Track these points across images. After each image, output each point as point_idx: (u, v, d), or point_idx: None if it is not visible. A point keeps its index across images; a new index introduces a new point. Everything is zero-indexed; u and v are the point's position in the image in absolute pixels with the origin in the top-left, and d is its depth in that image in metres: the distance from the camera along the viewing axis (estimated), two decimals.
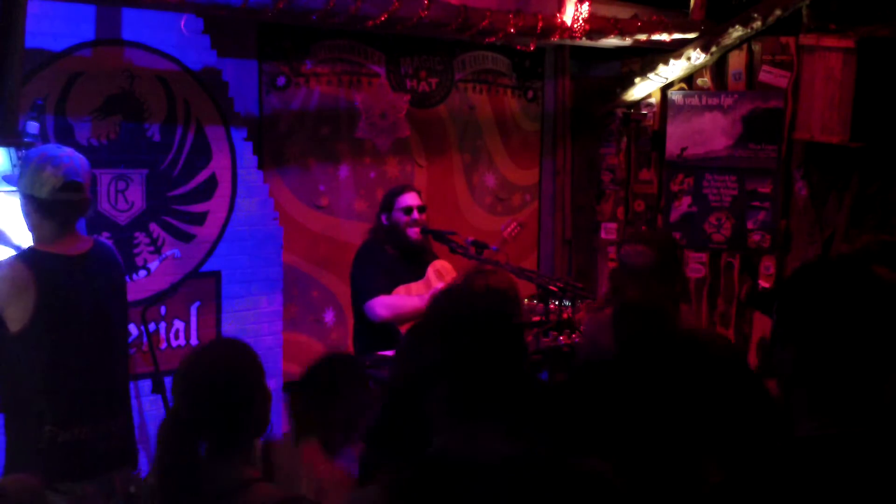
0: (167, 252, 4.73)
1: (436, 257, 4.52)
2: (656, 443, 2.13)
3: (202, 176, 4.83)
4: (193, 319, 4.85)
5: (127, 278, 4.25)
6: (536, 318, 3.98)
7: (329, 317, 5.49)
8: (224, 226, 4.93)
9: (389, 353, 3.85)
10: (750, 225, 5.94)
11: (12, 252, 3.08)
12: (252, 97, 5.05)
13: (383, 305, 4.15)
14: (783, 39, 5.74)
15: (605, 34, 5.61)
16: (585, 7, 5.46)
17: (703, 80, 6.09)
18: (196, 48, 4.75)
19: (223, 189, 4.91)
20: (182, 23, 4.61)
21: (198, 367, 2.06)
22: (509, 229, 4.59)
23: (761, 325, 5.78)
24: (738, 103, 5.90)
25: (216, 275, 4.92)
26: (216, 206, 4.89)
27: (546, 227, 6.66)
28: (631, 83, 6.31)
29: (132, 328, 4.52)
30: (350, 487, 2.38)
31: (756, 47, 5.86)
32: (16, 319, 2.82)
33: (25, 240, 3.11)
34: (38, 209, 2.92)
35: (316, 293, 5.43)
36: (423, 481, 1.56)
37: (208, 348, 2.16)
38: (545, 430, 1.97)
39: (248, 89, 5.02)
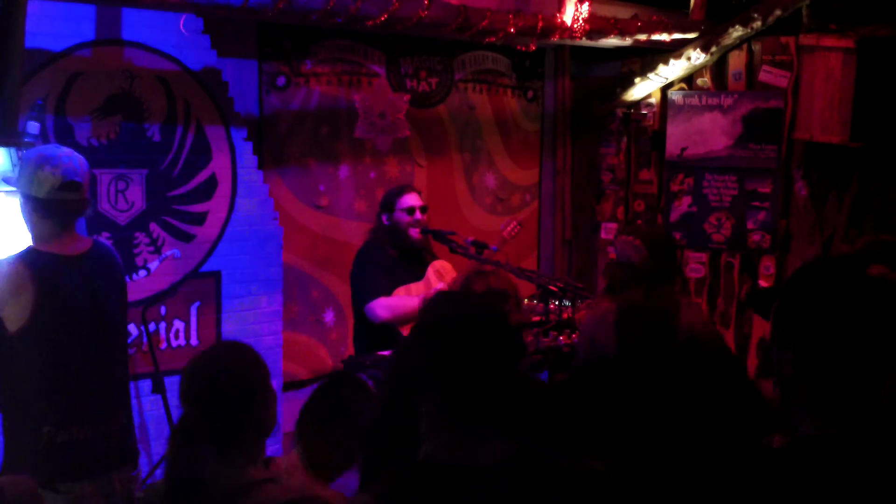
0: (167, 252, 4.73)
1: (436, 257, 4.52)
2: (655, 443, 2.13)
3: (202, 176, 4.83)
4: (193, 319, 4.85)
5: (127, 278, 4.26)
6: (536, 318, 3.98)
7: (329, 317, 5.49)
8: (224, 226, 4.93)
9: (389, 353, 3.84)
10: (750, 225, 5.94)
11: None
12: (252, 97, 5.05)
13: (384, 307, 4.15)
14: (783, 39, 5.75)
15: (605, 34, 5.61)
16: (585, 7, 5.46)
17: (703, 80, 6.10)
18: (196, 48, 4.75)
19: (223, 189, 4.91)
20: (181, 22, 4.61)
21: (201, 371, 2.07)
22: (509, 228, 4.60)
23: (761, 325, 5.79)
24: (738, 103, 5.90)
25: (216, 275, 4.92)
26: (216, 206, 4.89)
27: (546, 227, 6.66)
28: (631, 83, 6.31)
29: (132, 328, 4.52)
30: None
31: (756, 47, 5.86)
32: (14, 319, 2.82)
33: (25, 240, 3.11)
34: (37, 209, 2.92)
35: (316, 293, 5.43)
36: (412, 488, 1.56)
37: (210, 352, 2.16)
38: (540, 432, 1.97)
39: (248, 89, 5.02)
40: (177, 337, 4.79)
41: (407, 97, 5.73)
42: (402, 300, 4.20)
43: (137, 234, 4.62)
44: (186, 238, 4.80)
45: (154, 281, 4.69)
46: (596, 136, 6.66)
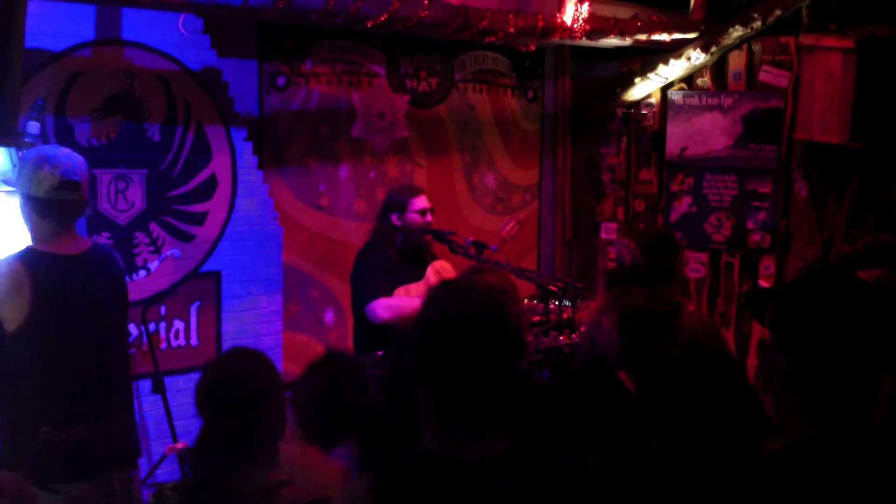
0: (167, 252, 4.73)
1: (436, 257, 4.52)
2: (654, 443, 2.13)
3: (202, 176, 4.83)
4: (193, 319, 4.85)
5: (127, 278, 4.26)
6: (536, 318, 3.98)
7: (329, 317, 5.49)
8: (224, 226, 4.93)
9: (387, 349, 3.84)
10: (750, 225, 5.95)
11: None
12: (252, 97, 5.05)
13: (384, 307, 4.15)
14: (783, 39, 5.75)
15: (605, 34, 5.61)
16: (585, 7, 5.46)
17: (703, 80, 6.10)
18: (196, 48, 4.75)
19: (223, 189, 4.91)
20: (180, 22, 4.61)
21: (220, 377, 2.08)
22: (508, 228, 4.60)
23: (761, 325, 5.78)
24: (738, 103, 5.90)
25: (216, 275, 4.92)
26: (216, 206, 4.89)
27: (546, 227, 6.66)
28: (631, 83, 6.31)
29: (132, 328, 4.53)
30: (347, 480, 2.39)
31: (756, 47, 5.86)
32: (12, 318, 2.82)
33: (25, 240, 3.11)
34: (36, 208, 2.92)
35: (316, 293, 5.44)
36: (409, 480, 1.56)
37: (226, 358, 2.17)
38: (537, 429, 1.97)
39: (248, 89, 5.02)
40: (177, 337, 4.79)
41: (407, 98, 5.73)
42: (403, 300, 4.20)
43: (137, 234, 4.62)
44: (186, 238, 4.80)
45: (154, 281, 4.69)
46: (596, 136, 6.66)
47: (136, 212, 4.62)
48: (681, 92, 6.17)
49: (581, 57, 6.48)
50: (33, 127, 4.22)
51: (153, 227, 4.67)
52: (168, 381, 4.57)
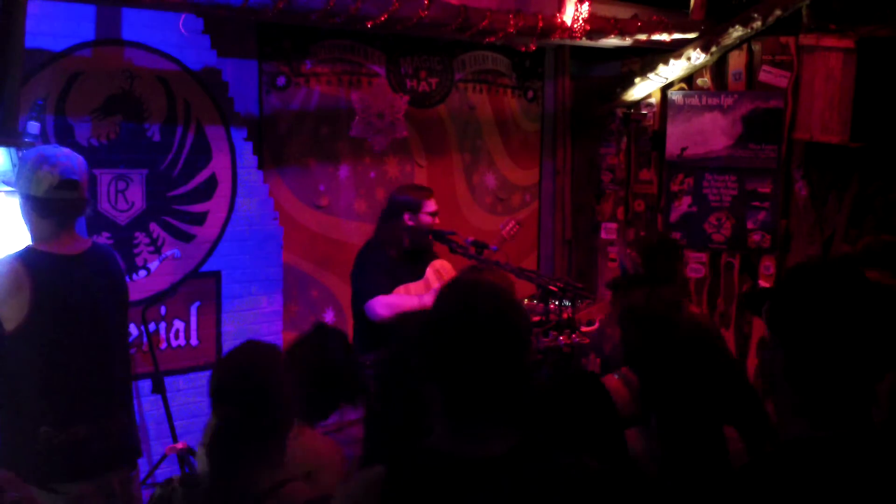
0: (167, 252, 4.73)
1: (436, 257, 4.52)
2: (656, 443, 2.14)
3: (202, 176, 4.83)
4: (193, 319, 4.85)
5: (127, 278, 4.26)
6: (536, 318, 3.98)
7: (329, 317, 5.49)
8: (224, 226, 4.93)
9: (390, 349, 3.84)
10: (750, 225, 5.95)
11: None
12: (252, 97, 5.05)
13: (383, 305, 4.15)
14: (783, 39, 5.75)
15: (605, 34, 5.61)
16: (585, 7, 5.46)
17: (703, 80, 6.10)
18: (196, 48, 4.75)
19: (223, 189, 4.91)
20: (180, 22, 4.61)
21: (235, 372, 2.07)
22: (508, 228, 4.60)
23: (761, 325, 5.78)
24: (738, 103, 5.90)
25: (216, 275, 4.92)
26: (216, 206, 4.89)
27: (546, 227, 6.66)
28: (631, 83, 6.31)
29: (132, 328, 4.53)
30: (342, 461, 2.40)
31: (756, 47, 5.86)
32: (11, 318, 2.82)
33: (25, 240, 3.11)
34: (35, 208, 2.92)
35: (316, 293, 5.43)
36: (417, 477, 1.56)
37: (241, 353, 2.16)
38: (543, 429, 1.98)
39: (248, 89, 5.02)
40: (177, 337, 4.79)
41: (407, 97, 5.73)
42: (402, 298, 4.20)
43: (137, 234, 4.62)
44: (186, 238, 4.80)
45: (154, 281, 4.69)
46: (596, 136, 6.66)
47: (136, 212, 4.62)
48: (681, 92, 6.17)
49: (581, 57, 6.48)
50: (33, 127, 4.22)
51: (153, 227, 4.67)
52: (168, 381, 4.57)
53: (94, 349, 2.99)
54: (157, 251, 4.70)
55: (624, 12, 5.89)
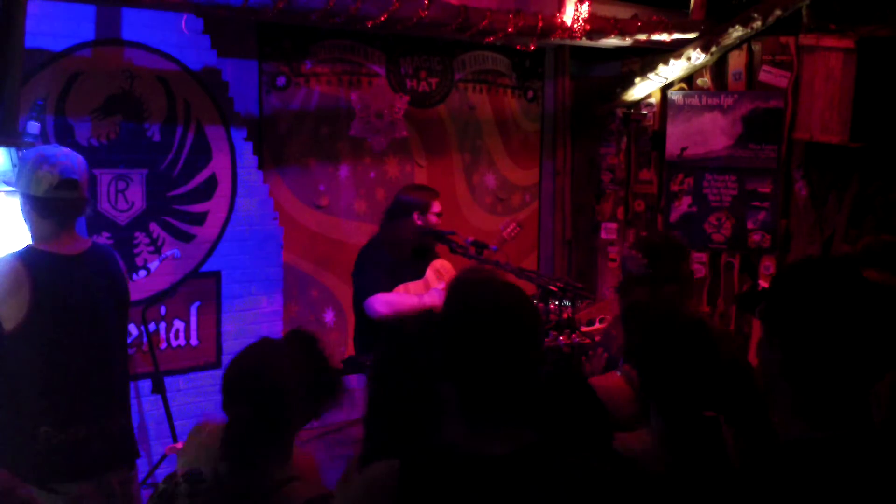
0: (167, 252, 4.73)
1: (437, 257, 4.52)
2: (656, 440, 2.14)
3: (202, 176, 4.83)
4: (193, 319, 4.85)
5: (127, 278, 4.25)
6: None
7: (329, 317, 5.49)
8: (224, 226, 4.93)
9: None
10: (750, 225, 5.95)
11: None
12: (252, 97, 5.06)
13: (382, 302, 4.15)
14: (783, 39, 5.75)
15: (605, 34, 5.61)
16: (585, 7, 5.46)
17: (703, 80, 6.10)
18: (196, 48, 4.75)
19: (223, 189, 4.91)
20: (183, 21, 4.61)
21: (240, 374, 2.07)
22: (509, 229, 4.60)
23: (753, 317, 5.78)
24: (738, 103, 5.90)
25: (216, 275, 4.92)
26: (216, 206, 4.89)
27: (546, 227, 6.66)
28: (631, 83, 6.31)
29: (132, 328, 4.53)
30: (318, 475, 2.39)
31: (756, 47, 5.86)
32: (10, 317, 2.82)
33: (25, 240, 3.11)
34: (35, 208, 2.92)
35: (316, 293, 5.44)
36: (433, 473, 1.56)
37: (248, 355, 2.15)
38: (556, 426, 1.98)
39: (248, 89, 5.02)
40: (177, 337, 4.79)
41: (407, 97, 5.73)
42: (401, 297, 4.20)
43: (137, 234, 4.62)
44: (186, 238, 4.80)
45: (154, 281, 4.69)
46: (596, 136, 6.66)
47: (136, 212, 4.62)
48: (681, 92, 6.17)
49: (581, 57, 6.48)
50: (33, 127, 4.22)
51: (153, 227, 4.67)
52: (168, 381, 4.57)
53: (93, 349, 2.99)
54: (157, 251, 4.70)
55: (624, 12, 5.89)
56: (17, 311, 2.82)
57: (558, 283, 3.95)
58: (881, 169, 5.58)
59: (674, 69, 6.06)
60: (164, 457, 4.46)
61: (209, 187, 4.86)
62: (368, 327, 4.25)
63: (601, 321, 4.88)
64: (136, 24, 4.51)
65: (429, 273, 4.39)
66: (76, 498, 2.89)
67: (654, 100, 6.35)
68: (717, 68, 6.03)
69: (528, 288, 4.41)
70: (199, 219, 4.84)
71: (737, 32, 5.76)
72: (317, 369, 2.22)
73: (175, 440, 4.34)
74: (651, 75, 6.16)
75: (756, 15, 5.66)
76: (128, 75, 4.53)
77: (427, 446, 1.63)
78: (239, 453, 1.98)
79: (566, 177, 6.65)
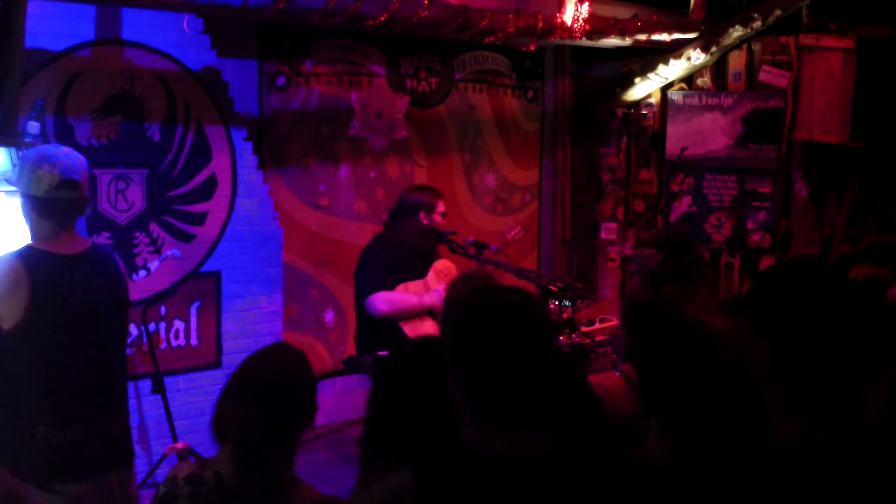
0: (167, 252, 4.73)
1: (439, 257, 4.52)
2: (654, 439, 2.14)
3: (202, 176, 4.83)
4: (193, 319, 4.85)
5: (127, 279, 4.24)
6: None
7: (329, 317, 5.49)
8: (224, 226, 4.93)
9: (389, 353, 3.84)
10: (750, 225, 5.95)
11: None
12: (252, 97, 5.06)
13: (383, 300, 4.15)
14: (783, 39, 5.75)
15: (605, 34, 5.61)
16: (585, 7, 5.46)
17: (703, 80, 6.10)
18: (196, 48, 4.75)
19: (223, 189, 4.91)
20: (185, 22, 4.61)
21: (266, 372, 2.06)
22: (513, 233, 4.65)
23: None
24: (738, 103, 5.90)
25: (216, 275, 4.92)
26: (216, 206, 4.89)
27: (546, 227, 6.66)
28: (631, 83, 6.31)
29: (132, 328, 4.52)
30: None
31: (756, 47, 5.86)
32: (9, 317, 2.81)
33: (25, 240, 3.11)
34: (35, 208, 2.91)
35: (316, 293, 5.44)
36: (450, 477, 1.56)
37: (264, 358, 2.15)
38: (572, 428, 1.98)
39: (248, 89, 5.03)
40: (177, 337, 4.79)
41: (407, 98, 5.73)
42: (402, 296, 4.21)
43: (137, 234, 4.62)
44: (186, 238, 4.80)
45: (154, 281, 4.69)
46: (596, 136, 6.66)
47: (136, 212, 4.62)
48: (681, 92, 6.17)
49: (581, 57, 6.48)
50: (33, 127, 4.22)
51: (153, 227, 4.67)
52: (168, 381, 4.57)
53: (93, 349, 2.99)
54: (157, 251, 4.70)
55: (624, 12, 5.89)
56: (15, 310, 2.81)
57: (558, 283, 3.95)
58: (881, 169, 5.58)
59: (674, 69, 6.06)
60: (164, 457, 4.46)
61: (209, 187, 4.86)
62: (369, 326, 4.25)
63: (601, 321, 4.88)
64: (136, 24, 4.51)
65: (430, 273, 4.40)
66: (76, 498, 2.88)
67: (654, 100, 6.35)
68: (717, 68, 6.03)
69: (528, 288, 4.42)
70: (199, 219, 4.84)
71: (737, 32, 5.76)
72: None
73: (175, 440, 4.33)
74: (651, 75, 6.16)
75: (756, 15, 5.66)
76: (128, 75, 4.53)
77: (439, 451, 1.62)
78: (249, 455, 1.98)
79: (566, 177, 6.66)
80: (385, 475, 1.70)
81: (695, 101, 6.05)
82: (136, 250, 4.63)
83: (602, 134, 6.63)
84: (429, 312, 4.17)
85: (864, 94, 5.41)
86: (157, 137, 4.64)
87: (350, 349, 5.00)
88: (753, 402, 1.68)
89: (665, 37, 5.82)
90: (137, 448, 4.45)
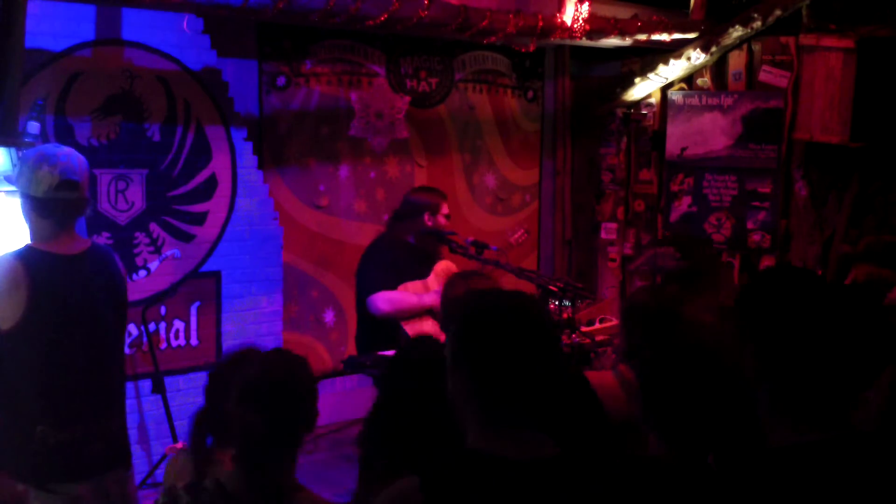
0: (167, 252, 4.73)
1: (441, 258, 4.51)
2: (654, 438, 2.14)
3: (202, 176, 4.83)
4: (193, 319, 4.85)
5: (127, 279, 4.24)
6: None
7: (329, 317, 5.49)
8: (224, 226, 4.93)
9: (390, 352, 3.84)
10: (750, 225, 5.94)
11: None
12: (252, 97, 5.06)
13: (385, 300, 4.15)
14: (783, 39, 5.74)
15: (605, 34, 5.61)
16: (585, 7, 5.46)
17: (703, 80, 6.10)
18: (196, 48, 4.75)
19: (223, 189, 4.91)
20: (185, 22, 4.61)
21: (271, 378, 2.05)
22: (516, 235, 4.67)
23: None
24: (738, 103, 5.90)
25: (216, 275, 4.92)
26: (216, 206, 4.89)
27: (546, 227, 6.66)
28: (631, 83, 6.31)
29: (132, 328, 4.53)
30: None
31: (756, 47, 5.86)
32: (8, 317, 2.81)
33: (25, 240, 3.10)
34: (35, 208, 2.91)
35: (316, 293, 5.44)
36: (460, 479, 1.56)
37: (270, 360, 2.14)
38: (576, 428, 1.98)
39: (248, 89, 5.03)
40: (177, 337, 4.79)
41: (407, 98, 5.73)
42: (404, 295, 4.20)
43: (137, 234, 4.62)
44: (186, 238, 4.80)
45: (154, 281, 4.69)
46: (596, 136, 6.66)
47: (136, 212, 4.62)
48: (681, 92, 6.17)
49: (581, 57, 6.48)
50: (33, 127, 4.22)
51: (153, 227, 4.67)
52: (168, 381, 4.57)
53: (92, 349, 2.98)
54: (157, 251, 4.70)
55: (624, 12, 5.89)
56: (15, 310, 2.81)
57: (558, 283, 3.95)
58: (881, 169, 5.58)
59: (674, 69, 6.06)
60: (163, 457, 4.45)
61: (209, 187, 4.86)
62: (370, 326, 4.25)
63: (601, 321, 4.88)
64: (136, 24, 4.51)
65: (432, 275, 4.39)
66: (74, 498, 2.88)
67: (654, 100, 6.35)
68: (717, 68, 6.03)
69: (529, 288, 4.42)
70: (199, 219, 4.84)
71: (737, 32, 5.76)
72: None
73: (175, 440, 4.34)
74: (651, 75, 6.16)
75: (756, 15, 5.66)
76: (128, 75, 4.52)
77: (445, 455, 1.62)
78: (254, 462, 1.97)
79: (566, 177, 6.66)
80: (388, 478, 1.70)
81: (695, 101, 6.05)
82: (136, 250, 4.63)
83: (602, 134, 6.63)
84: (429, 312, 4.17)
85: (864, 94, 5.40)
86: (157, 137, 4.64)
87: (350, 349, 5.00)
88: (750, 404, 1.68)
89: (665, 37, 5.82)
90: (137, 448, 4.47)
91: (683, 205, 6.17)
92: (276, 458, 2.00)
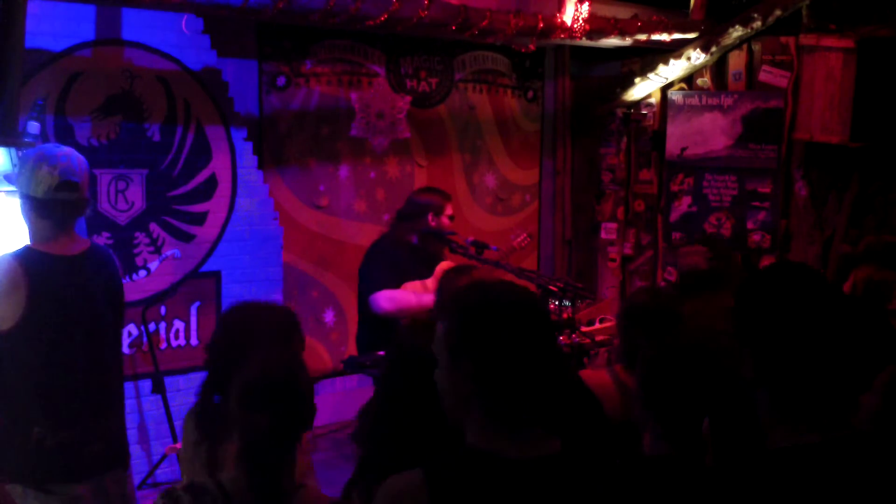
0: (167, 252, 4.73)
1: (444, 258, 4.51)
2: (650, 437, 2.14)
3: (202, 176, 4.83)
4: (193, 319, 4.85)
5: (127, 278, 4.24)
6: None
7: (329, 317, 5.49)
8: (224, 226, 4.93)
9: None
10: (750, 225, 5.95)
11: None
12: (252, 97, 5.06)
13: (387, 298, 4.15)
14: (783, 39, 5.74)
15: (605, 34, 5.61)
16: (585, 7, 5.46)
17: (703, 80, 6.10)
18: (196, 48, 4.75)
19: (223, 189, 4.91)
20: (183, 22, 4.61)
21: (262, 383, 2.05)
22: (519, 239, 4.69)
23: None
24: (738, 103, 5.90)
25: (216, 275, 4.92)
26: (216, 206, 4.89)
27: (546, 227, 6.66)
28: (631, 83, 6.31)
29: (132, 328, 4.53)
30: (313, 475, 2.39)
31: (756, 47, 5.86)
32: (6, 317, 2.81)
33: (25, 240, 3.10)
34: (35, 208, 2.91)
35: (316, 293, 5.43)
36: (463, 477, 1.55)
37: (273, 359, 2.14)
38: (582, 429, 1.98)
39: (248, 89, 5.03)
40: (177, 337, 4.79)
41: (408, 98, 5.73)
42: (406, 294, 4.20)
43: (137, 234, 4.62)
44: (186, 238, 4.80)
45: (154, 281, 4.69)
46: (596, 136, 6.66)
47: (136, 212, 4.62)
48: (681, 92, 6.17)
49: (581, 57, 6.48)
50: (33, 127, 4.22)
51: (153, 227, 4.67)
52: (168, 381, 4.57)
53: (91, 350, 2.98)
54: (157, 251, 4.70)
55: (624, 12, 5.89)
56: (14, 311, 2.81)
57: (558, 283, 3.95)
58: (881, 169, 5.58)
59: (674, 69, 6.06)
60: (164, 457, 4.46)
61: (209, 187, 4.86)
62: (371, 326, 4.25)
63: (601, 321, 4.88)
64: (136, 24, 4.51)
65: (433, 276, 4.39)
66: (74, 498, 2.88)
67: (654, 100, 6.35)
68: (717, 68, 6.03)
69: (529, 288, 4.42)
70: (199, 219, 4.84)
71: (737, 32, 5.76)
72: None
73: (175, 440, 4.34)
74: (651, 75, 6.16)
75: (756, 15, 5.66)
76: (128, 75, 4.52)
77: (450, 452, 1.61)
78: (258, 461, 1.97)
79: (566, 177, 6.66)
80: (385, 473, 1.69)
81: (695, 101, 6.05)
82: (136, 250, 4.62)
83: (602, 134, 6.63)
84: (429, 312, 4.17)
85: (864, 94, 5.40)
86: (157, 137, 4.64)
87: (350, 349, 5.00)
88: (749, 405, 1.68)
89: (665, 37, 5.82)
90: (137, 448, 4.47)
91: (683, 205, 6.17)
92: (282, 458, 2.00)
